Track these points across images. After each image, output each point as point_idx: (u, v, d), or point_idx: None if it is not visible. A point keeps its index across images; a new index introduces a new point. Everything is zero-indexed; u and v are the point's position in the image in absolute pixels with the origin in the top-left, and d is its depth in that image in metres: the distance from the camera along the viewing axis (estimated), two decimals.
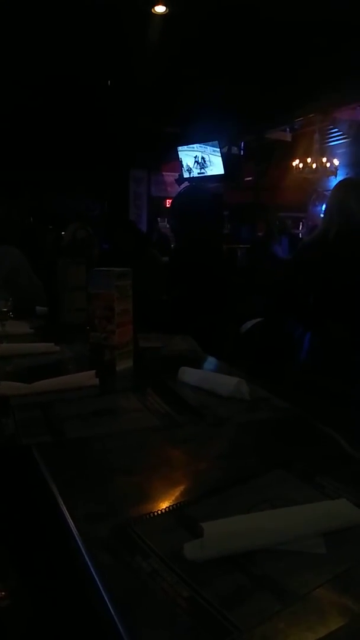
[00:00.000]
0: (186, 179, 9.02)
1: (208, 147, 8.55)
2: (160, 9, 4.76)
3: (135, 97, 6.84)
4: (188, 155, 8.91)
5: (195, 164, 8.79)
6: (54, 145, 8.15)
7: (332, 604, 0.54)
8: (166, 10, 4.77)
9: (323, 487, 0.77)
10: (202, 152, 8.65)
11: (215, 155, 8.50)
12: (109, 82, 6.43)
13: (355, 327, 1.94)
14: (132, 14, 4.81)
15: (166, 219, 8.57)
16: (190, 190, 3.11)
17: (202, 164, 8.69)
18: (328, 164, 8.08)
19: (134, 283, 1.47)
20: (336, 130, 8.19)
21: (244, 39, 5.13)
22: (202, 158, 8.66)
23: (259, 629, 0.50)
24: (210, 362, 1.60)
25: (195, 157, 8.78)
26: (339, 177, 7.54)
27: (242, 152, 8.65)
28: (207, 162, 8.64)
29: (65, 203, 8.56)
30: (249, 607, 0.53)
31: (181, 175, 9.15)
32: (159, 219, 9.70)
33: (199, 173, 8.77)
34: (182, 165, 9.09)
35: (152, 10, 4.79)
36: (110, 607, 0.53)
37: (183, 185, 9.01)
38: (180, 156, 9.01)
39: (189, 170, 8.86)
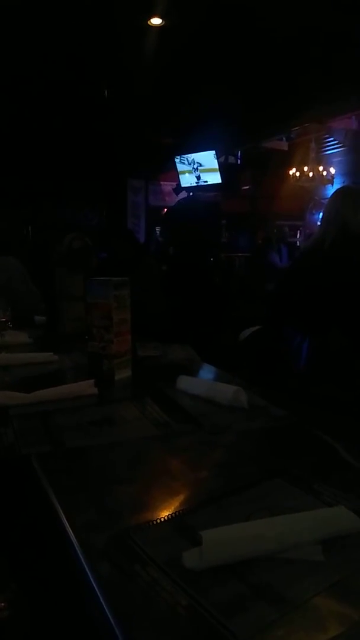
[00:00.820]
0: (184, 188, 9.06)
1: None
2: (156, 21, 4.80)
3: (133, 108, 6.88)
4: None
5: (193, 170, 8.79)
6: (52, 156, 8.19)
7: (330, 611, 0.54)
8: (162, 22, 4.81)
9: (321, 495, 0.78)
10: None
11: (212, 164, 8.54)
12: (105, 92, 6.47)
13: (354, 334, 1.95)
14: (129, 26, 4.85)
15: (158, 230, 8.57)
16: (187, 201, 3.13)
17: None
18: (325, 173, 8.14)
19: (131, 293, 1.48)
20: (332, 139, 8.25)
21: (239, 50, 5.17)
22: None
23: (257, 638, 0.50)
24: (209, 370, 1.60)
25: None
26: (336, 186, 7.59)
27: (239, 161, 8.70)
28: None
29: (63, 213, 8.60)
30: (247, 616, 0.53)
31: (179, 184, 9.19)
32: (157, 228, 9.73)
33: (196, 182, 8.80)
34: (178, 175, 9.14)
35: (149, 23, 4.84)
36: (109, 615, 0.53)
37: (181, 195, 9.06)
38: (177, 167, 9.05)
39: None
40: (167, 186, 10.13)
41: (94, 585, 0.58)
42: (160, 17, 4.75)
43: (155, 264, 3.76)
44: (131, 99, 6.58)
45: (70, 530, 0.69)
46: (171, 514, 0.73)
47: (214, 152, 8.33)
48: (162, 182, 10.39)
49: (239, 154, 8.64)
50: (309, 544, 0.64)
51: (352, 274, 2.01)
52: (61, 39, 5.08)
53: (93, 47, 5.28)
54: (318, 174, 8.12)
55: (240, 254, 7.68)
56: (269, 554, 0.62)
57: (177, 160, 8.88)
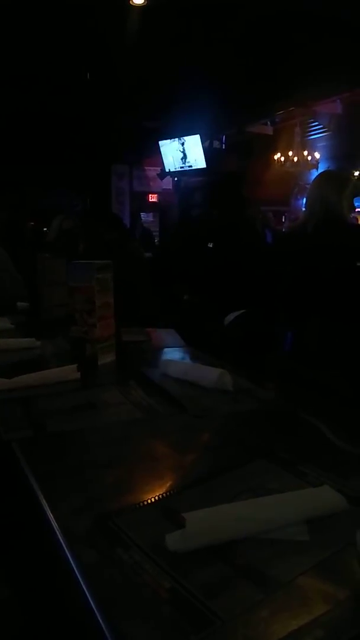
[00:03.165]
0: (168, 173, 8.98)
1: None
2: (138, 0, 4.72)
3: (115, 91, 6.78)
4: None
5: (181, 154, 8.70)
6: (35, 141, 8.05)
7: (315, 590, 0.54)
8: (144, 2, 4.73)
9: (306, 475, 0.77)
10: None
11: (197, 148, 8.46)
12: (87, 75, 6.36)
13: (336, 316, 1.95)
14: (111, 7, 4.76)
15: (142, 216, 8.44)
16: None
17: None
18: (309, 157, 8.11)
19: (117, 278, 1.46)
20: (317, 123, 8.21)
21: (223, 32, 5.11)
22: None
23: (241, 618, 0.50)
24: (194, 354, 1.59)
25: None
26: (320, 170, 7.57)
27: (223, 146, 8.64)
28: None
29: (47, 199, 8.47)
30: (231, 597, 0.52)
31: (163, 169, 9.10)
32: (142, 214, 9.64)
33: (181, 167, 8.73)
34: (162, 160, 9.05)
35: (131, 2, 4.75)
36: (90, 599, 0.52)
37: (166, 180, 8.98)
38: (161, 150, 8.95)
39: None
40: (152, 171, 10.04)
41: (75, 569, 0.57)
42: None
43: (141, 249, 3.73)
44: (114, 82, 6.48)
45: (52, 516, 0.68)
46: (155, 497, 0.72)
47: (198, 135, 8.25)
48: (146, 167, 10.28)
49: (224, 138, 8.58)
50: (294, 524, 0.63)
51: (334, 258, 2.01)
52: (41, 20, 4.97)
53: (74, 29, 5.17)
54: (303, 159, 8.09)
55: None
56: (253, 534, 0.61)
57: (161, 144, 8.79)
